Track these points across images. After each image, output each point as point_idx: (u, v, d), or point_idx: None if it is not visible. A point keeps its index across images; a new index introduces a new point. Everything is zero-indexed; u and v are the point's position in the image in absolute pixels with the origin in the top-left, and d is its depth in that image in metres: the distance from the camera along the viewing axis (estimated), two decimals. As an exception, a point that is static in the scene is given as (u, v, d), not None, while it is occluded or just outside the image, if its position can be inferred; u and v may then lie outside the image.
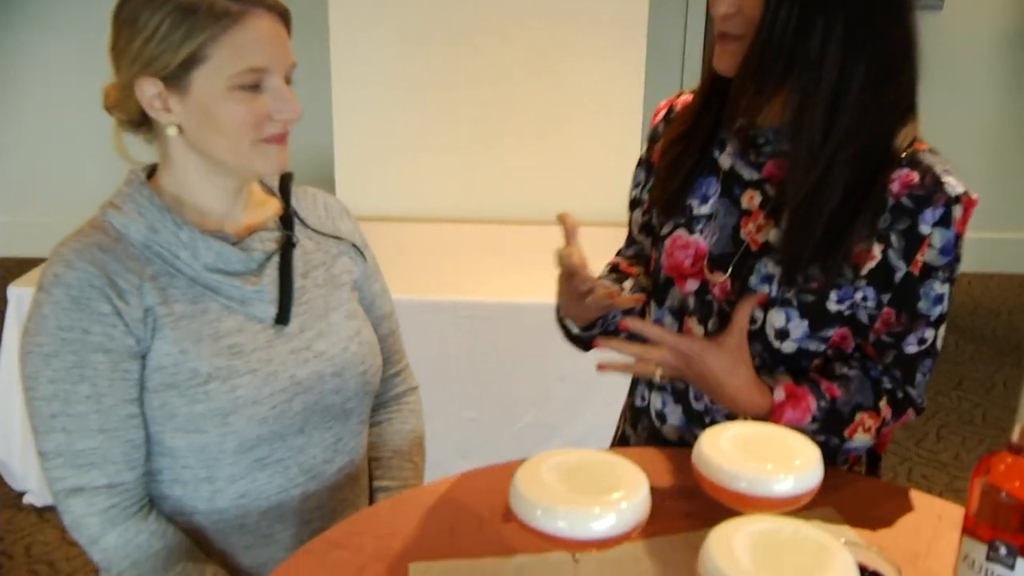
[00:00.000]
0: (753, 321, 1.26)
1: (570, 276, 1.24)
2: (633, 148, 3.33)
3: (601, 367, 1.24)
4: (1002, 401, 3.71)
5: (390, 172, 3.37)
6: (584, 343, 1.41)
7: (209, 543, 1.23)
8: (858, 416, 1.22)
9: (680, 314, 1.34)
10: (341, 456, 1.30)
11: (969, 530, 0.88)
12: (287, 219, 1.30)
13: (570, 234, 1.24)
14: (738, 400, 1.20)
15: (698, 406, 1.34)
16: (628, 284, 1.42)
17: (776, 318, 1.24)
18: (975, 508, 0.88)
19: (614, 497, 0.87)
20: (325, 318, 1.27)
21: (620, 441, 1.52)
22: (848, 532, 1.15)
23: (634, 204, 1.46)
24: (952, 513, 1.20)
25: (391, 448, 1.42)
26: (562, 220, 1.24)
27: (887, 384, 1.26)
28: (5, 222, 4.54)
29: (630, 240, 1.52)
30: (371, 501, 1.39)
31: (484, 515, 1.17)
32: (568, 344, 1.45)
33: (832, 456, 1.32)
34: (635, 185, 1.45)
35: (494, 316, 2.77)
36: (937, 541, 1.13)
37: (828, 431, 1.22)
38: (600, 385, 2.78)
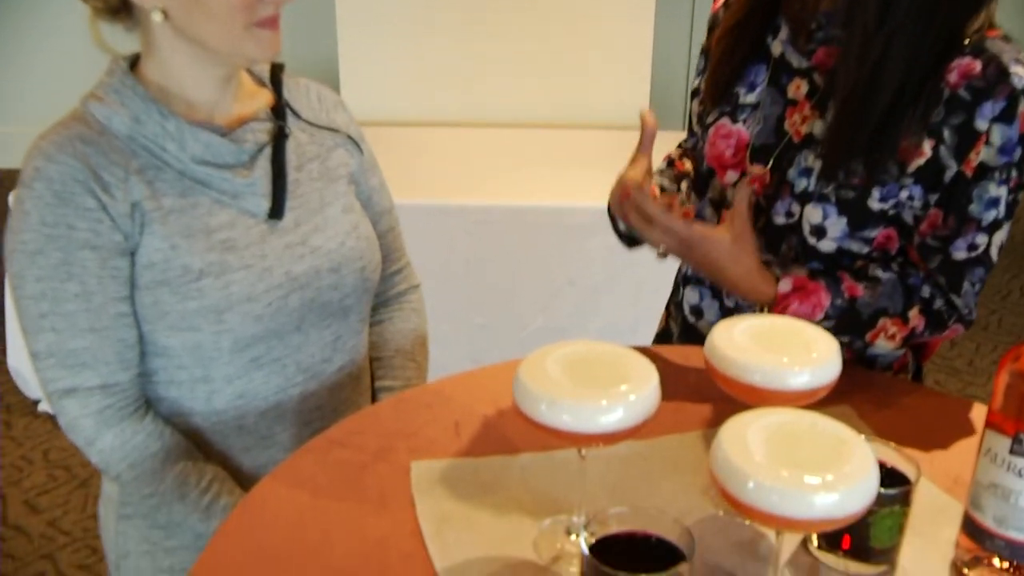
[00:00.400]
0: (790, 215, 1.20)
1: (629, 188, 1.17)
2: (644, 49, 3.23)
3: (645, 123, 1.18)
4: (1018, 308, 3.66)
5: (396, 76, 3.28)
6: (630, 240, 1.36)
7: (208, 445, 1.20)
8: (880, 321, 1.17)
9: (719, 207, 1.28)
10: (340, 355, 1.26)
11: (993, 424, 0.84)
12: (279, 110, 1.24)
13: (646, 140, 1.18)
14: (740, 288, 1.15)
15: (729, 302, 1.29)
16: (684, 186, 1.37)
17: (812, 214, 1.18)
18: (1000, 401, 0.83)
19: (622, 390, 0.83)
20: (321, 212, 1.22)
21: (662, 336, 1.49)
22: (865, 429, 1.12)
23: (694, 94, 1.39)
24: (973, 412, 1.16)
25: (393, 347, 1.38)
26: (643, 120, 1.17)
27: (925, 293, 1.18)
28: (5, 133, 4.48)
29: (689, 131, 1.45)
30: (373, 401, 1.36)
31: (488, 414, 1.14)
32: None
33: (870, 362, 1.28)
34: (697, 74, 1.38)
35: (503, 220, 2.73)
36: (957, 438, 1.09)
37: (846, 331, 1.17)
38: (609, 289, 2.75)
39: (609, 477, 1.03)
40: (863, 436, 0.89)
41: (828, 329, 1.16)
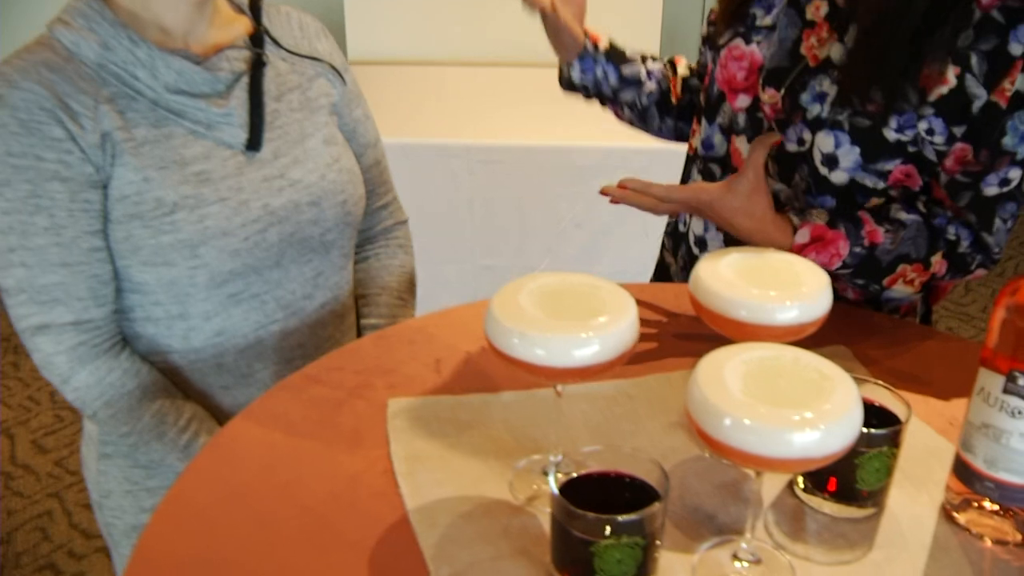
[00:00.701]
0: (801, 142, 1.15)
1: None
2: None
3: (605, 193, 1.14)
4: (1036, 251, 3.59)
5: (402, 15, 3.20)
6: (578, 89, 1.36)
7: (187, 384, 1.18)
8: (900, 267, 1.12)
9: (729, 132, 1.23)
10: (322, 291, 1.23)
11: (987, 361, 0.80)
12: (257, 38, 1.19)
13: None
14: (754, 240, 1.11)
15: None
16: (653, 64, 1.34)
17: (824, 142, 1.13)
18: (995, 339, 0.79)
19: (598, 322, 0.79)
20: (301, 144, 1.18)
21: (659, 270, 1.45)
22: (859, 368, 1.08)
23: (709, 23, 1.34)
24: (972, 351, 1.12)
25: (379, 284, 1.35)
26: None
27: (950, 235, 1.12)
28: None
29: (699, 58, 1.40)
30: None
31: (471, 351, 1.11)
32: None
33: (875, 302, 1.24)
34: None
35: (508, 160, 2.68)
36: (957, 380, 1.05)
37: (863, 276, 1.13)
38: (616, 232, 2.71)
39: (593, 417, 1.00)
40: (850, 373, 0.86)
41: (844, 276, 1.11)
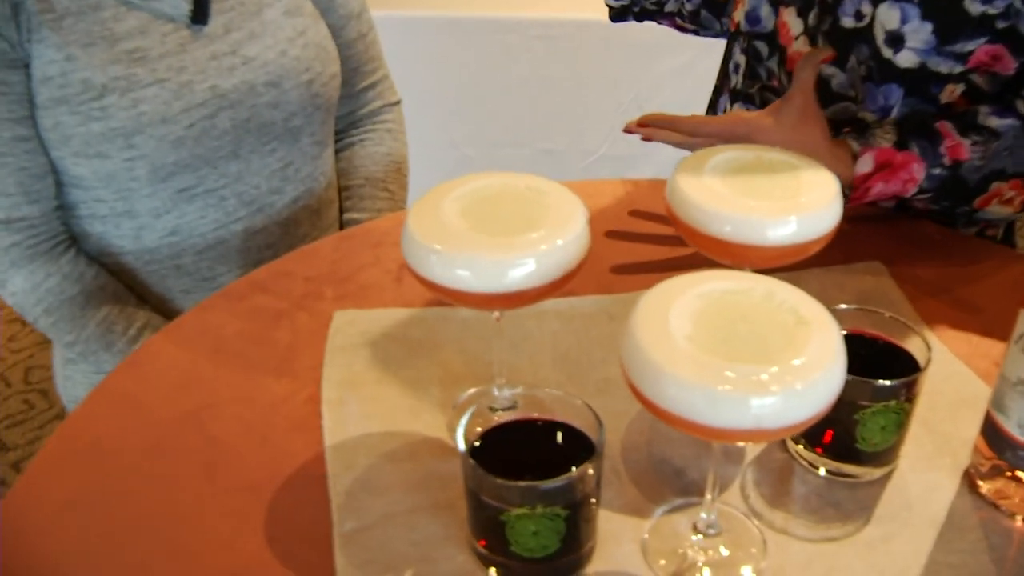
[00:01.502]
0: (860, 16, 0.94)
1: None
2: None
3: (629, 131, 0.98)
4: None
5: None
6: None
7: (144, 287, 1.08)
8: (994, 186, 0.92)
9: (777, 3, 1.03)
10: (292, 185, 1.10)
11: (1034, 300, 0.62)
12: None
13: None
14: None
15: None
16: None
17: (888, 16, 0.92)
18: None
19: (533, 236, 0.64)
20: (258, 16, 1.03)
21: None
22: (893, 292, 0.90)
23: None
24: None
25: (362, 175, 1.21)
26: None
27: None
28: None
29: None
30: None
31: (439, 258, 0.97)
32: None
33: (951, 219, 1.04)
34: None
35: (566, 36, 2.49)
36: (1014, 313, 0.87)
37: (947, 199, 0.94)
38: (680, 111, 2.49)
39: (564, 339, 0.86)
40: (852, 308, 0.69)
41: (924, 201, 0.93)
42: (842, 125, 1.01)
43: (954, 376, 0.80)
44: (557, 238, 0.64)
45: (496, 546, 0.62)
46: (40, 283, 1.00)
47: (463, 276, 0.64)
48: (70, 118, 0.94)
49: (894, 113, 0.97)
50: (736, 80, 1.14)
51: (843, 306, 0.70)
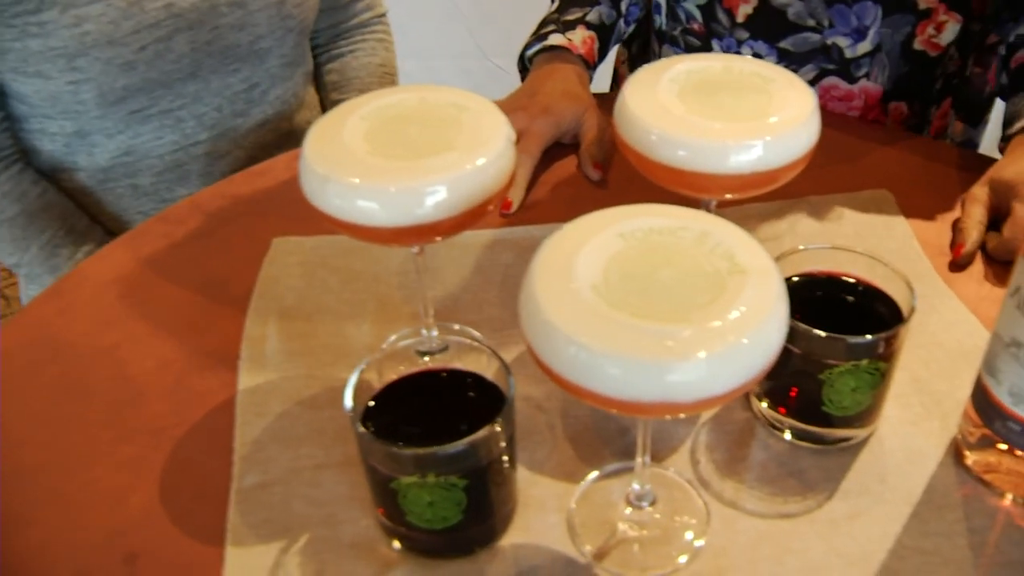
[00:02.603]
0: None
1: None
2: None
3: None
4: None
5: None
6: None
7: (99, 207, 1.01)
8: None
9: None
10: (259, 107, 1.01)
11: (1036, 245, 0.51)
12: None
13: None
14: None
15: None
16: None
17: None
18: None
19: (442, 161, 0.55)
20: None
21: None
22: (898, 226, 0.79)
23: None
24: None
25: (356, 87, 1.12)
26: None
27: None
28: None
29: None
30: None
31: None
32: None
33: None
34: None
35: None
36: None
37: None
38: None
39: (516, 273, 0.75)
40: (793, 256, 0.59)
41: None
42: (804, 58, 0.90)
43: (957, 325, 0.69)
44: (471, 160, 0.55)
45: (394, 515, 0.55)
46: None
47: (365, 208, 0.56)
48: (5, 31, 0.87)
49: (870, 34, 0.88)
50: (659, 21, 1.03)
51: (813, 245, 0.60)
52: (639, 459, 0.55)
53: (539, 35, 0.95)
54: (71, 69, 0.88)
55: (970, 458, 0.59)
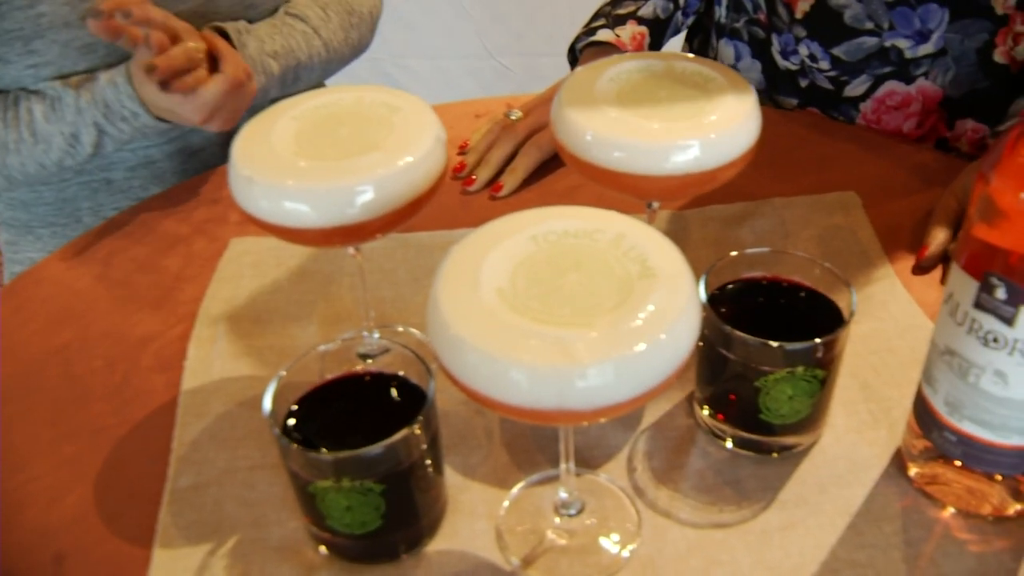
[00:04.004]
0: None
1: None
2: None
3: None
4: None
5: None
6: None
7: (75, 202, 1.00)
8: None
9: None
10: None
11: (961, 255, 0.50)
12: None
13: None
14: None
15: (787, 63, 0.94)
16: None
17: None
18: (975, 216, 0.49)
19: (369, 159, 0.55)
20: None
21: None
22: (862, 230, 0.78)
23: None
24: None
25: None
26: None
27: None
28: None
29: None
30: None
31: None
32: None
33: None
34: None
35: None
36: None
37: None
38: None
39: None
40: (688, 267, 0.58)
41: None
42: (858, 67, 0.88)
43: (912, 330, 0.67)
44: (398, 159, 0.55)
45: (315, 520, 0.54)
46: None
47: (291, 209, 0.55)
48: None
49: (934, 38, 0.84)
50: (719, 13, 1.00)
51: (752, 250, 0.59)
52: (563, 466, 0.54)
53: (589, 28, 0.93)
54: (28, 52, 0.88)
55: (912, 469, 0.57)
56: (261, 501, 0.60)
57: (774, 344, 0.53)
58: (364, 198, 0.54)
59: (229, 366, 0.69)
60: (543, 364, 0.42)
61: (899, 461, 0.59)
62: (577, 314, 0.43)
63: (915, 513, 0.56)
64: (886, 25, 0.85)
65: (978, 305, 0.48)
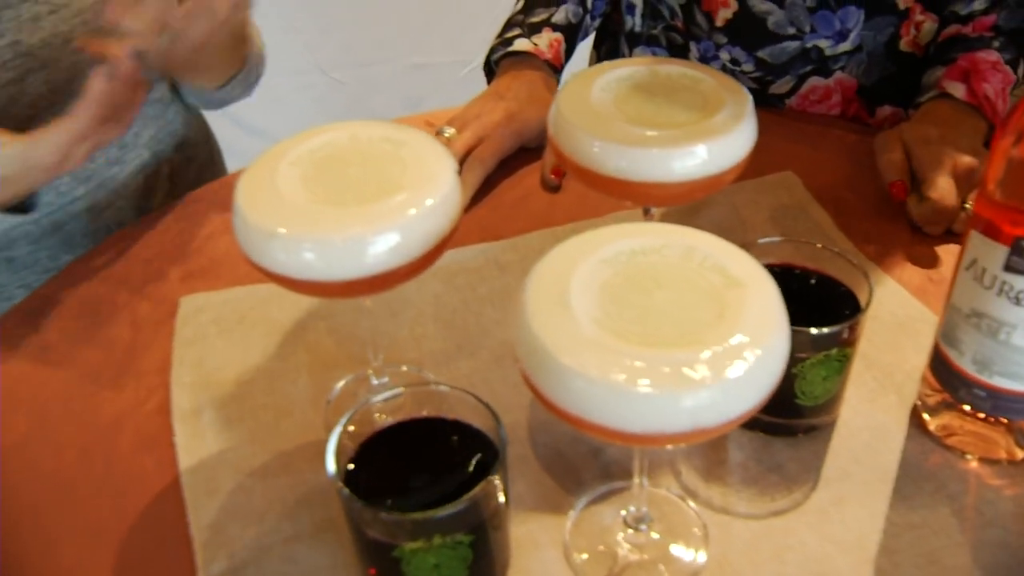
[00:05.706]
0: None
1: None
2: None
3: None
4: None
5: None
6: None
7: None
8: None
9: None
10: (134, 152, 0.93)
11: (982, 222, 0.53)
12: None
13: None
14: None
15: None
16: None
17: None
18: (997, 183, 0.52)
19: (393, 202, 0.52)
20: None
21: None
22: (812, 207, 0.81)
23: None
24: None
25: None
26: None
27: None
28: None
29: None
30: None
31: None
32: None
33: None
34: None
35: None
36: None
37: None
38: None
39: (448, 302, 0.74)
40: (765, 270, 0.60)
41: None
42: (782, 68, 0.91)
43: (888, 297, 0.72)
44: (423, 199, 0.53)
45: (392, 581, 0.51)
46: None
47: (313, 263, 0.52)
48: None
49: (852, 36, 0.90)
50: (633, 22, 1.02)
51: (765, 239, 0.61)
52: (636, 480, 0.54)
53: (504, 39, 0.93)
54: None
55: (932, 423, 0.61)
56: (308, 573, 0.56)
57: (813, 331, 0.55)
58: (390, 244, 0.52)
59: (224, 435, 0.65)
60: (668, 389, 0.41)
61: (915, 421, 0.62)
62: (682, 333, 0.43)
63: (947, 468, 0.59)
64: (808, 29, 0.89)
65: (1008, 268, 0.51)
